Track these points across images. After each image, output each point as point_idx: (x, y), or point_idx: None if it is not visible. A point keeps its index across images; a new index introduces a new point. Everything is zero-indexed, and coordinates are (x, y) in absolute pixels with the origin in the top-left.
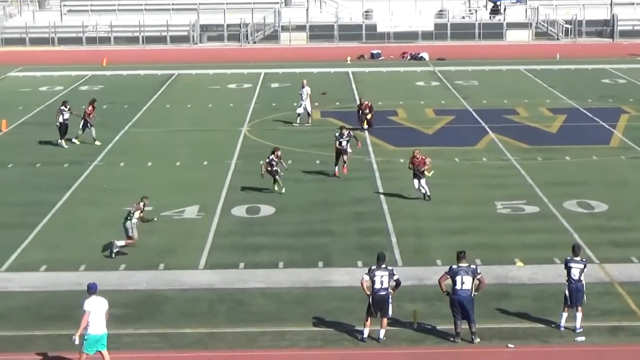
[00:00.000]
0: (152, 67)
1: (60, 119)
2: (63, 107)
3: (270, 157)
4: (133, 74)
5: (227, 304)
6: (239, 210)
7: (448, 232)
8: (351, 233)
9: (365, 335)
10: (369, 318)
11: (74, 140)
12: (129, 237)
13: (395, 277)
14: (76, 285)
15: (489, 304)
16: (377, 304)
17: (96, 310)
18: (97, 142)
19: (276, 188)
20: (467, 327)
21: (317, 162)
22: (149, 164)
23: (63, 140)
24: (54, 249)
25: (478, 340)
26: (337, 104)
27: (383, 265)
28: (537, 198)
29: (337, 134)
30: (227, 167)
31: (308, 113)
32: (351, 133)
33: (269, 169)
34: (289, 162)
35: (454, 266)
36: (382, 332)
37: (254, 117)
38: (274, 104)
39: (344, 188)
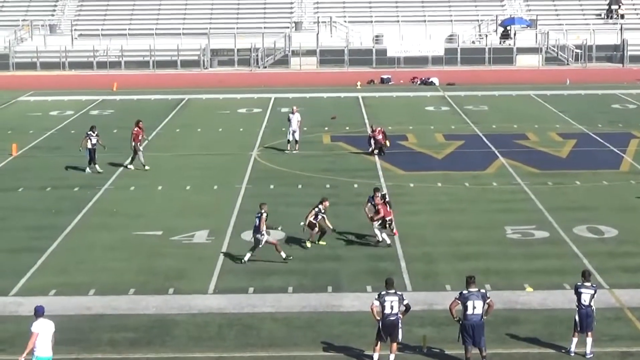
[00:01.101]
0: (163, 92)
1: (89, 145)
2: (91, 132)
3: (318, 207)
4: (143, 99)
5: (237, 329)
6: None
7: (457, 257)
8: (360, 258)
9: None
10: (379, 343)
11: (145, 167)
12: (270, 243)
13: (405, 302)
14: (86, 309)
15: (498, 329)
16: (387, 329)
17: (44, 332)
18: (129, 166)
19: (321, 242)
20: (478, 352)
21: (327, 186)
22: (159, 187)
23: (91, 166)
24: (64, 273)
25: None
26: (347, 128)
27: (392, 290)
28: (547, 223)
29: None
30: (237, 192)
31: (296, 140)
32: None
33: (313, 220)
34: (299, 186)
35: (465, 291)
36: (392, 357)
37: (264, 141)
38: (283, 129)
39: (353, 213)
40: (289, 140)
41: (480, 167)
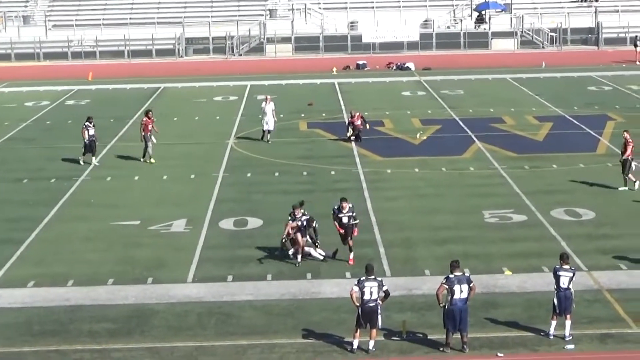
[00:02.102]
0: (138, 81)
1: (86, 136)
2: (88, 123)
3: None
4: (119, 88)
5: (216, 317)
6: (227, 223)
7: (436, 241)
8: (339, 244)
9: (355, 346)
10: (358, 329)
11: (150, 160)
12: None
13: (385, 288)
14: (64, 300)
15: (478, 313)
16: (366, 315)
17: None
18: (151, 160)
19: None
20: (459, 336)
21: (304, 173)
22: (136, 177)
23: (85, 156)
24: (42, 265)
25: (468, 349)
26: (324, 114)
27: (372, 276)
28: (524, 207)
29: (336, 207)
30: (214, 180)
31: (269, 130)
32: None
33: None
34: (276, 174)
35: (451, 276)
36: (371, 343)
37: (241, 129)
38: (260, 116)
39: (331, 200)
40: (264, 130)
41: (457, 151)
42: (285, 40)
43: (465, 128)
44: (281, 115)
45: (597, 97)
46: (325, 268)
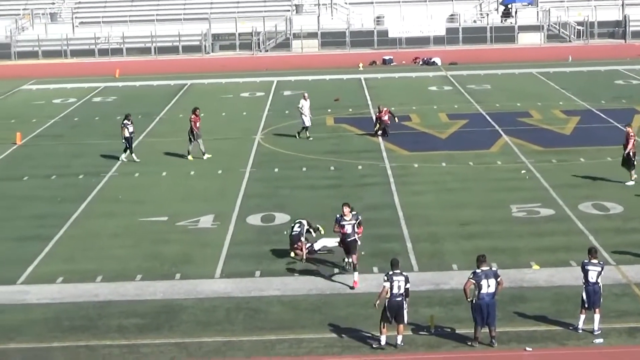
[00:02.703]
0: (165, 78)
1: (126, 133)
2: (127, 121)
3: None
4: (146, 85)
5: (244, 312)
6: (254, 219)
7: (463, 236)
8: (366, 239)
9: (383, 342)
10: (385, 324)
11: (188, 157)
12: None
13: (407, 285)
14: (93, 296)
15: (506, 307)
16: (392, 310)
17: None
18: (205, 156)
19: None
20: (488, 331)
21: (331, 168)
22: (164, 173)
23: (127, 154)
24: (70, 261)
25: (496, 344)
26: (350, 110)
27: (398, 271)
28: (552, 201)
29: (338, 215)
30: (242, 176)
31: (307, 127)
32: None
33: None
34: (303, 169)
35: (478, 270)
36: (399, 338)
37: (267, 124)
38: (287, 112)
39: (359, 195)
40: (304, 127)
41: (484, 146)
42: (312, 35)
43: (492, 122)
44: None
45: (625, 90)
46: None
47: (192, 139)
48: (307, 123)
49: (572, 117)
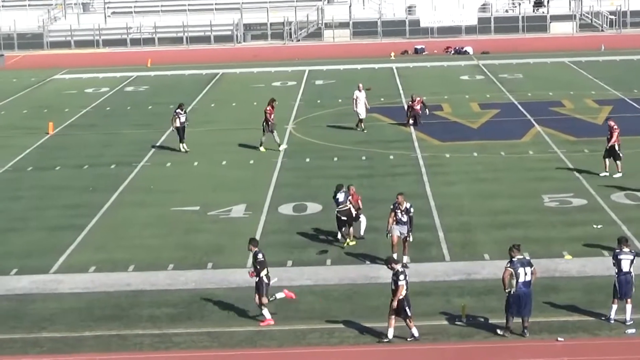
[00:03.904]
0: (197, 67)
1: (177, 123)
2: (179, 110)
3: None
4: (177, 74)
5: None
6: (286, 208)
7: (495, 226)
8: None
9: (416, 334)
10: (407, 318)
11: (260, 148)
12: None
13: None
14: (125, 285)
15: (538, 297)
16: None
17: None
18: (281, 147)
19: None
20: (520, 321)
21: (363, 158)
22: (195, 163)
23: (182, 145)
24: (103, 250)
25: (528, 334)
26: (382, 99)
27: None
28: (584, 190)
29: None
30: (274, 165)
31: (362, 118)
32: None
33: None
34: (335, 159)
35: (514, 259)
36: (413, 331)
37: (299, 114)
38: (318, 101)
39: (390, 184)
40: (360, 119)
41: (516, 135)
42: (343, 25)
43: (524, 112)
44: (339, 100)
45: None
46: (385, 253)
47: (266, 130)
48: (363, 115)
49: (605, 107)
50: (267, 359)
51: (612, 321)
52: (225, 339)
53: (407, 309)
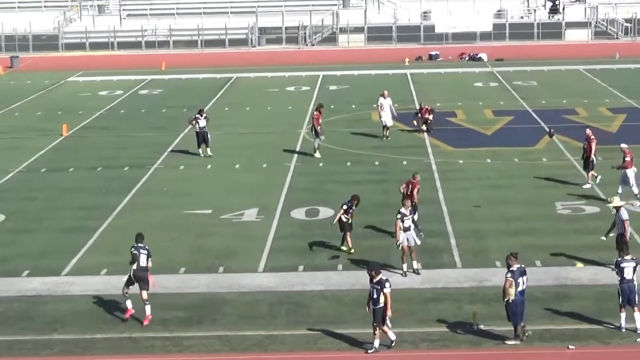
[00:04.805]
0: (211, 71)
1: (197, 128)
2: (198, 115)
3: (348, 205)
4: (192, 78)
5: (287, 307)
6: (299, 213)
7: (507, 233)
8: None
9: (377, 346)
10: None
11: (315, 154)
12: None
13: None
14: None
15: (549, 305)
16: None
17: None
18: (316, 154)
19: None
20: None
21: (376, 163)
22: (209, 166)
23: (200, 149)
24: (115, 253)
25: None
26: (396, 105)
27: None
28: (597, 198)
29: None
30: (287, 170)
31: (388, 126)
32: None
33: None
34: (348, 164)
35: (513, 268)
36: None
37: None
38: (332, 106)
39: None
40: (384, 126)
41: (529, 142)
42: (358, 30)
43: (538, 119)
44: (353, 106)
45: None
46: (397, 259)
47: (317, 135)
48: (389, 123)
49: (619, 115)
50: None
51: (624, 330)
52: (236, 343)
53: (387, 318)
